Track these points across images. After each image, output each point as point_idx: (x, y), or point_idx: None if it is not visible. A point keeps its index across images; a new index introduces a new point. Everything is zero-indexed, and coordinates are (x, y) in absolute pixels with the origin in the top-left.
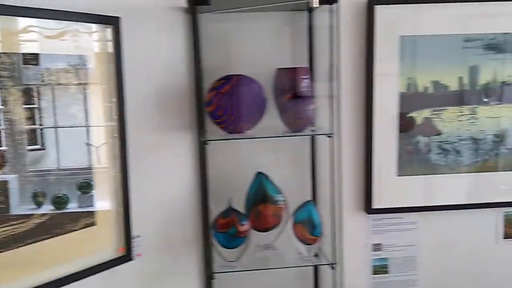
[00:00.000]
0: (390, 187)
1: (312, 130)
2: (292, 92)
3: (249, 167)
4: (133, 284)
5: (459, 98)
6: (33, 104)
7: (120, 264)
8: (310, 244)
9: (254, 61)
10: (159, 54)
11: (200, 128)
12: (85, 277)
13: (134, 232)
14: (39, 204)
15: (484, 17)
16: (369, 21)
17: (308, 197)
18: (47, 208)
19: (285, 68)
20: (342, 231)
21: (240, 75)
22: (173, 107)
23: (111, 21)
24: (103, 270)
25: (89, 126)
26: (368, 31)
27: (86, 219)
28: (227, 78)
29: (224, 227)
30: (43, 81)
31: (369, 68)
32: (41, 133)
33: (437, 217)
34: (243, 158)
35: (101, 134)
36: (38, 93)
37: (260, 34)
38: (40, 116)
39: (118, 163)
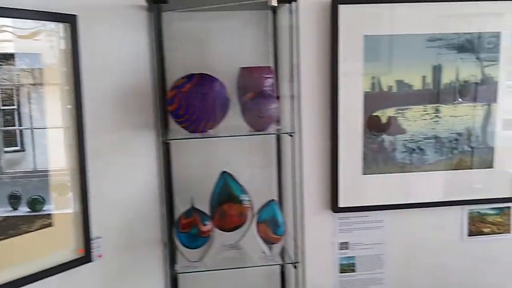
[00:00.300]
0: (356, 186)
1: (279, 129)
2: (254, 91)
3: (214, 166)
4: (94, 286)
5: (423, 97)
6: None
7: (80, 265)
8: (273, 243)
9: (220, 60)
10: (119, 52)
11: (164, 127)
12: (43, 278)
13: (95, 233)
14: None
15: (447, 17)
16: (333, 20)
17: (275, 196)
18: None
19: (248, 67)
20: (304, 230)
21: (202, 74)
22: (134, 106)
23: (68, 19)
24: (61, 271)
25: (45, 128)
26: (332, 31)
27: (42, 220)
28: (189, 77)
29: (186, 227)
30: None
31: (334, 67)
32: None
33: (403, 215)
34: (208, 157)
35: (59, 135)
36: None
37: (225, 33)
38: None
39: (76, 164)
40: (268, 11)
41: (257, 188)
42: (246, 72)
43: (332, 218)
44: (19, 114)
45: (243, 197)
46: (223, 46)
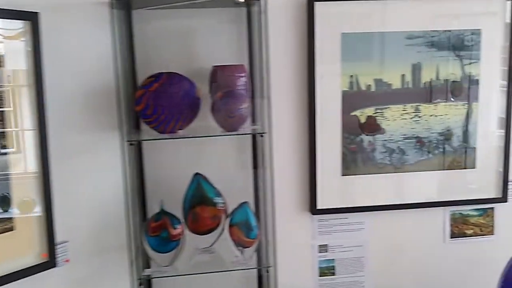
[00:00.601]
0: (335, 187)
1: (253, 129)
2: (223, 90)
3: (188, 168)
4: None
5: (403, 97)
6: None
7: (43, 270)
8: (246, 247)
9: (194, 58)
10: (84, 51)
11: (136, 128)
12: (4, 283)
13: (62, 237)
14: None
15: (426, 14)
16: (310, 18)
17: (251, 198)
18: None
19: (220, 65)
20: (275, 233)
21: (171, 72)
22: (100, 106)
23: (29, 17)
24: (24, 277)
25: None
26: (308, 29)
27: (3, 224)
28: (157, 76)
29: (155, 231)
30: None
31: (311, 66)
32: None
33: (384, 217)
34: (182, 159)
35: (21, 137)
36: None
37: (199, 31)
38: None
39: (39, 166)
40: (242, 8)
41: (232, 190)
42: (219, 71)
43: (311, 220)
44: None
45: (217, 200)
46: (197, 45)
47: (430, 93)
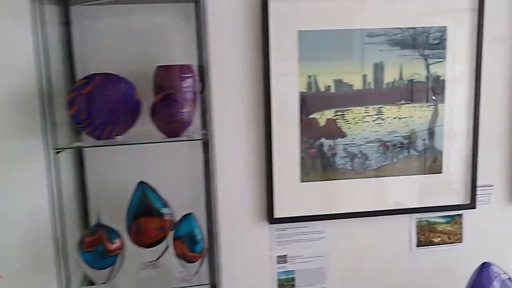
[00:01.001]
0: (293, 194)
1: (204, 135)
2: (164, 93)
3: (133, 176)
4: None
5: (365, 98)
6: None
7: None
8: (191, 262)
9: (138, 59)
10: (5, 51)
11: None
12: None
13: None
14: None
15: (388, 11)
16: (264, 15)
17: (201, 208)
18: None
19: (165, 65)
20: (219, 247)
21: (106, 73)
22: (26, 111)
23: None
24: None
25: None
26: (263, 26)
27: None
28: (90, 77)
29: (90, 246)
30: None
31: (266, 66)
32: None
33: (346, 225)
34: (125, 166)
35: None
36: None
37: (145, 28)
38: None
39: None
40: (191, 4)
41: (183, 200)
42: (163, 71)
43: (269, 230)
44: None
45: (163, 210)
46: (143, 43)
47: (393, 94)
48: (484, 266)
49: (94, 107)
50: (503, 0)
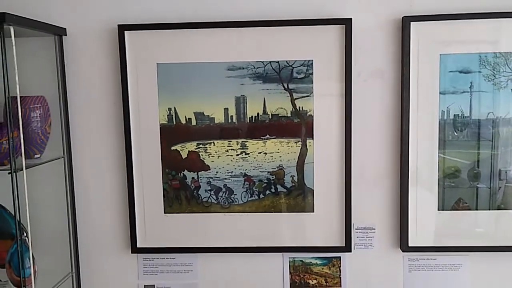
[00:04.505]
0: (157, 225)
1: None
2: None
3: None
4: None
5: (227, 131)
6: None
7: None
8: (18, 287)
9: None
10: None
11: None
12: None
13: None
14: None
15: (249, 43)
16: (121, 48)
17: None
18: None
19: (15, 96)
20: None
21: None
22: None
23: None
24: None
25: None
26: (120, 59)
27: None
28: None
29: None
30: None
31: (125, 98)
32: None
33: (216, 260)
34: None
35: None
36: None
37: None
38: None
39: None
40: (55, 37)
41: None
42: (13, 102)
43: (136, 259)
44: None
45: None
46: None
47: (257, 129)
48: None
49: None
50: (370, 35)
